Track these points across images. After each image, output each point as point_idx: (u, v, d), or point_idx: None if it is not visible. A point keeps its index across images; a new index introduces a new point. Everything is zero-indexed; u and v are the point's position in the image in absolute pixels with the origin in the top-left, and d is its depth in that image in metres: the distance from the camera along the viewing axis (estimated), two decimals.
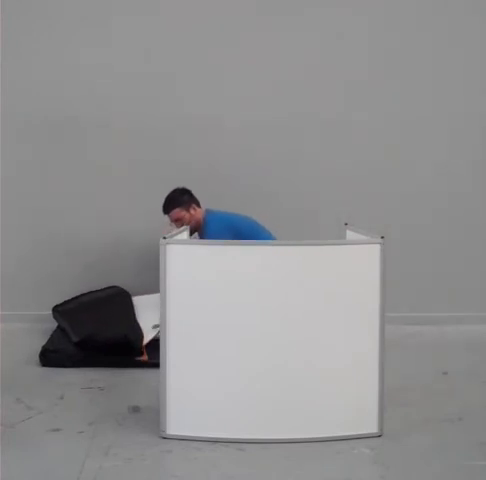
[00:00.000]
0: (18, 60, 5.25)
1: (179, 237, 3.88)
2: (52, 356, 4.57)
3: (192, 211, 4.94)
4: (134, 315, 4.97)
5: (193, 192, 5.03)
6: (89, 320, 4.85)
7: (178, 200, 4.95)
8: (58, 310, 5.15)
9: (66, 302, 5.22)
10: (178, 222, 4.88)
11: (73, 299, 5.25)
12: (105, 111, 5.30)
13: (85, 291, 5.30)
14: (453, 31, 5.35)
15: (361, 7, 5.30)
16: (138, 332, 4.71)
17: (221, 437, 3.51)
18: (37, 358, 4.58)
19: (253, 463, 3.35)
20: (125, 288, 5.31)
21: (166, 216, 4.96)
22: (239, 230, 4.75)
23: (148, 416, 3.77)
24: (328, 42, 5.31)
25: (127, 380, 4.34)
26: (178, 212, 4.92)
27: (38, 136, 5.32)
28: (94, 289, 5.33)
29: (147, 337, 4.60)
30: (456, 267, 5.40)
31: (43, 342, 4.72)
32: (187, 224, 4.78)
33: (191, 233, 4.77)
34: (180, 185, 5.30)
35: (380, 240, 3.57)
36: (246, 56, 5.32)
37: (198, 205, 5.01)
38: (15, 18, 5.21)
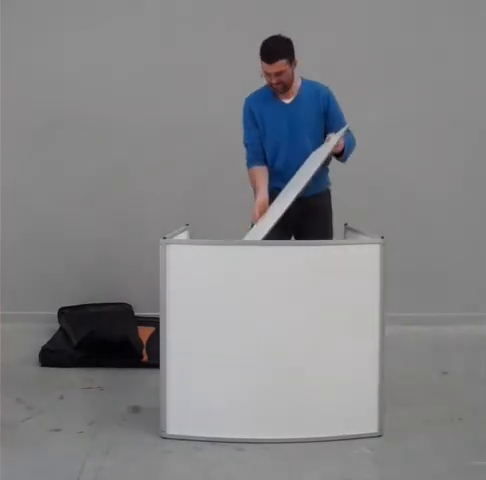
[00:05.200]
0: (17, 60, 5.25)
1: (179, 237, 3.88)
2: (52, 356, 4.58)
3: (294, 67, 4.04)
4: (136, 326, 4.96)
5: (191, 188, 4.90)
6: (91, 326, 4.82)
7: (285, 48, 4.00)
8: (64, 312, 5.14)
9: (74, 307, 5.19)
10: (278, 77, 3.98)
11: (81, 306, 5.21)
12: (107, 111, 5.28)
13: (88, 292, 5.28)
14: None
15: None
16: (138, 338, 4.72)
17: (221, 437, 3.51)
18: (37, 358, 4.58)
19: (253, 463, 3.35)
20: (125, 288, 5.31)
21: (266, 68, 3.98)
22: None
23: (148, 416, 3.77)
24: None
25: (127, 380, 4.34)
26: (282, 65, 3.97)
27: (38, 137, 5.32)
28: (94, 289, 5.32)
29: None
30: (456, 267, 5.39)
31: (43, 342, 4.73)
32: (286, 82, 4.02)
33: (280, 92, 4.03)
34: (181, 186, 5.31)
35: (380, 240, 3.57)
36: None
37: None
38: (14, 18, 5.21)
